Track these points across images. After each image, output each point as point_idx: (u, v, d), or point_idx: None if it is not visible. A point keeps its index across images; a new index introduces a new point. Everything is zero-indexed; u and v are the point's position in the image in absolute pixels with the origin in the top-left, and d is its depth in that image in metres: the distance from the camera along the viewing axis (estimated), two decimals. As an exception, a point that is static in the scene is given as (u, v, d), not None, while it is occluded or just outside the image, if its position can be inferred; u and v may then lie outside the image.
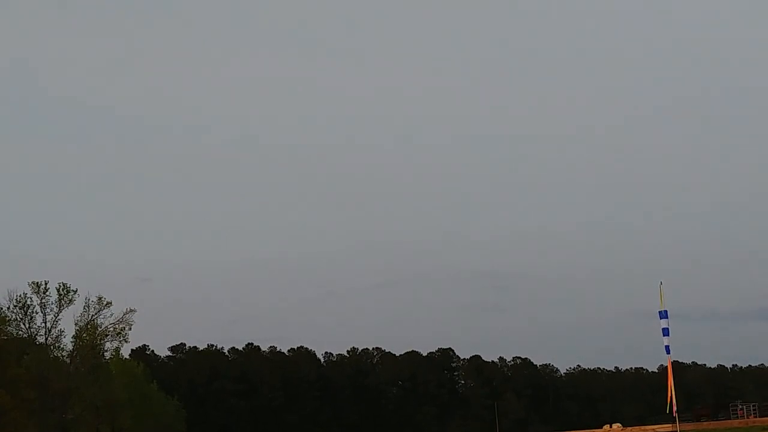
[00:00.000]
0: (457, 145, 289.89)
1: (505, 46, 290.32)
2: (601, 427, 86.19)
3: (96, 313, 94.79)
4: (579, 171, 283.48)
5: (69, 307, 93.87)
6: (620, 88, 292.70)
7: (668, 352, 47.82)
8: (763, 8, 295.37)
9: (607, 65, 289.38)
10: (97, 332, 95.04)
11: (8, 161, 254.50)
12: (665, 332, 47.62)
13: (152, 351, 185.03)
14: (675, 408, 50.21)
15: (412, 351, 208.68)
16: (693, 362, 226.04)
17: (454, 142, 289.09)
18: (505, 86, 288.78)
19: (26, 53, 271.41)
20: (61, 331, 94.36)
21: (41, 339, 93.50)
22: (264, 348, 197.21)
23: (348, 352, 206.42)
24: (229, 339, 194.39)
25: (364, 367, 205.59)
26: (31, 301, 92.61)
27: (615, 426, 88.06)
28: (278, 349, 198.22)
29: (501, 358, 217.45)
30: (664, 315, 47.73)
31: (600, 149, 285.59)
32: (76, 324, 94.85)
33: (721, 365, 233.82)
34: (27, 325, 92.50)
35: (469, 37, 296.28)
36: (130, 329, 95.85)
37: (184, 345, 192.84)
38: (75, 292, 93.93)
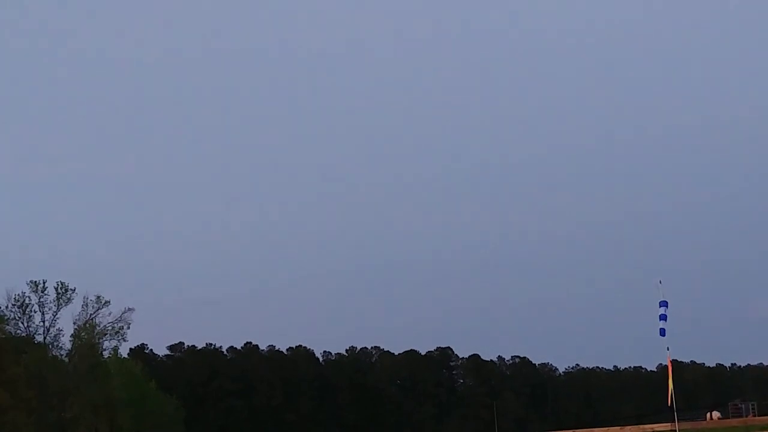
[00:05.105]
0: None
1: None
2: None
3: (94, 312, 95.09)
4: (577, 174, 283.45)
5: (67, 306, 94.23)
6: (624, 89, 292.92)
7: (663, 318, 48.15)
8: None
9: (606, 67, 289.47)
10: (96, 331, 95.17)
11: (8, 160, 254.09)
12: (662, 317, 48.08)
13: (151, 350, 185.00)
14: (672, 402, 50.28)
15: (411, 350, 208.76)
16: (692, 361, 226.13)
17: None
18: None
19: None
20: (60, 330, 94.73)
21: (40, 338, 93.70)
22: (263, 347, 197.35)
23: (347, 351, 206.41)
24: (228, 338, 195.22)
25: (363, 366, 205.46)
26: (30, 300, 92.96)
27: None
28: (277, 348, 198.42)
29: (500, 357, 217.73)
30: (663, 304, 48.30)
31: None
32: (74, 323, 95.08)
33: (719, 364, 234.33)
34: (25, 324, 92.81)
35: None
36: (128, 328, 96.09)
37: (183, 344, 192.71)
38: (73, 291, 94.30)
